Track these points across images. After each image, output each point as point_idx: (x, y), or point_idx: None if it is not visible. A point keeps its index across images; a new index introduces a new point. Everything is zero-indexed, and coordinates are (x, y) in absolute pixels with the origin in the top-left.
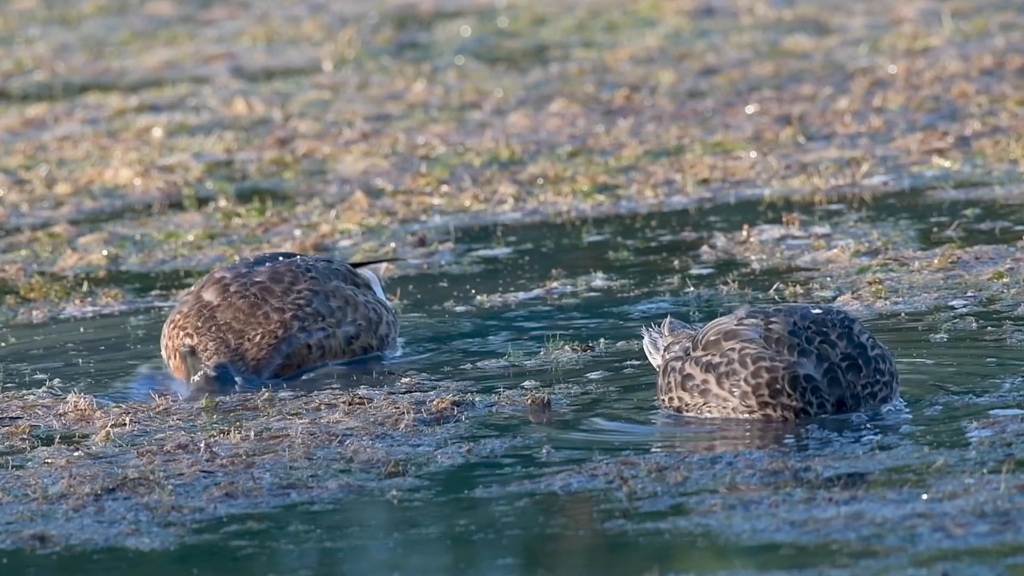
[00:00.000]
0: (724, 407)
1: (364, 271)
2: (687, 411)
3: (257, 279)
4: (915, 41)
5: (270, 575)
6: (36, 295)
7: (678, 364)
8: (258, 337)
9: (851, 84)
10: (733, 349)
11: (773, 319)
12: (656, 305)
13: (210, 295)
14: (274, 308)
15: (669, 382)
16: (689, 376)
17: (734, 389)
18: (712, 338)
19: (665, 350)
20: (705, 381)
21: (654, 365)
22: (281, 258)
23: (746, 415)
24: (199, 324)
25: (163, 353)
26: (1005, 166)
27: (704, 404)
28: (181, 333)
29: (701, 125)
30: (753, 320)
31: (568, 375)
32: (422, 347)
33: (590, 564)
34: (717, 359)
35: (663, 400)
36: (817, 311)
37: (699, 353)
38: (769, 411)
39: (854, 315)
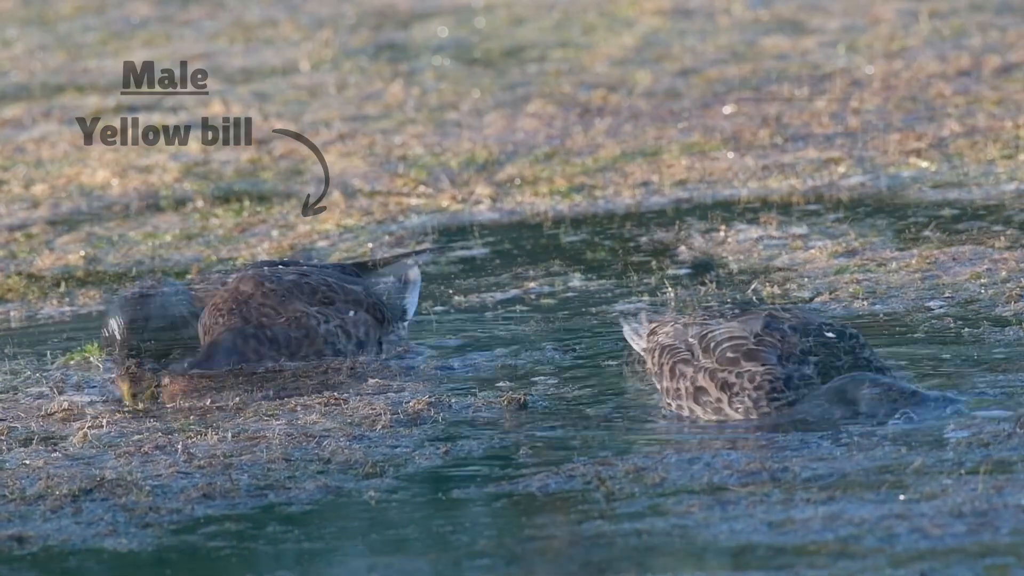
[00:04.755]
0: (734, 419)
1: (407, 270)
2: (694, 419)
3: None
4: (892, 42)
5: None
6: (13, 295)
7: (688, 370)
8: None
9: (828, 85)
10: (749, 371)
11: (790, 339)
12: (634, 305)
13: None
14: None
15: (679, 388)
16: (702, 390)
17: (738, 406)
18: (731, 355)
19: (651, 333)
20: (719, 400)
21: (638, 350)
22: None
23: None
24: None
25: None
26: (982, 167)
27: (716, 419)
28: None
29: (678, 126)
30: (771, 340)
31: (545, 375)
32: (399, 347)
33: (568, 565)
34: (733, 379)
35: (668, 403)
36: (831, 334)
37: (713, 365)
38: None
39: (865, 339)
